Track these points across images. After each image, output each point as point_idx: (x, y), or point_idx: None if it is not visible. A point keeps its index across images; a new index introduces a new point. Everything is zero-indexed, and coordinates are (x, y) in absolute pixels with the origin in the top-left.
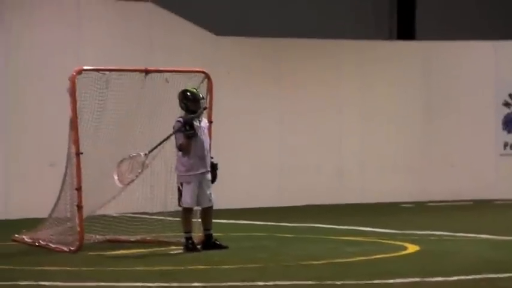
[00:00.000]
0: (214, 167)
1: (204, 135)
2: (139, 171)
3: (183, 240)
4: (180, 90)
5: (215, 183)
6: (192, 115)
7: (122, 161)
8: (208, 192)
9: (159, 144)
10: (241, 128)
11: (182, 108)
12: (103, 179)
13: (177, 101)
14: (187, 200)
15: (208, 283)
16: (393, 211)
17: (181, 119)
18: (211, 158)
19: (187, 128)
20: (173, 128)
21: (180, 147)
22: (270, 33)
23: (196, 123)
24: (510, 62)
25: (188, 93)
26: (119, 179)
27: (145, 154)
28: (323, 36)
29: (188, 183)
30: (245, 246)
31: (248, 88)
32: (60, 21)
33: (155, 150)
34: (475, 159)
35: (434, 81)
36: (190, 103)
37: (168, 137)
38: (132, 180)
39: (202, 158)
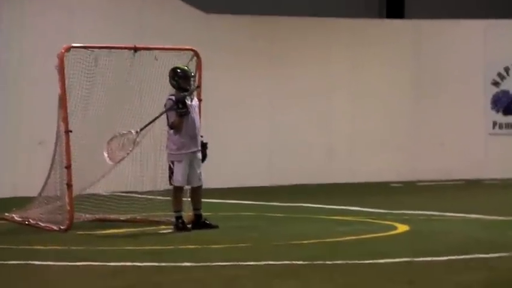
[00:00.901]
0: (204, 146)
1: (195, 114)
2: (130, 149)
3: (173, 219)
4: (169, 67)
5: (205, 162)
6: (185, 93)
7: (112, 139)
8: (198, 172)
9: (151, 122)
10: (231, 107)
11: (173, 85)
12: (92, 157)
13: (166, 78)
14: (179, 178)
15: (198, 263)
16: (383, 191)
17: (173, 97)
18: (201, 136)
19: (180, 106)
20: (165, 106)
21: (172, 125)
22: (260, 11)
23: (187, 102)
24: (499, 41)
25: (179, 71)
26: (109, 156)
27: (137, 132)
28: (313, 14)
29: (179, 161)
30: (235, 226)
31: (238, 66)
32: (51, 4)
33: (145, 128)
34: (464, 138)
35: (423, 60)
36: (182, 80)
37: (160, 115)
38: (123, 158)
39: (193, 136)
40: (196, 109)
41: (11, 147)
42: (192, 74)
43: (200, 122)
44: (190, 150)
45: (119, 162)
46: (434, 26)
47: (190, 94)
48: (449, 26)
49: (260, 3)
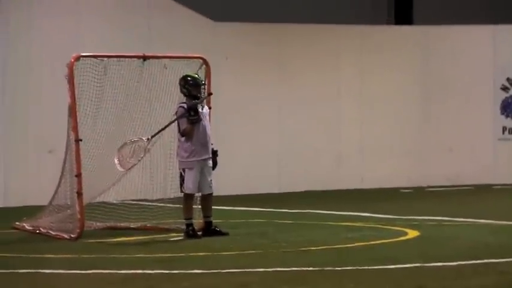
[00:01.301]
0: (214, 154)
1: (206, 121)
2: (142, 155)
3: (183, 227)
4: (178, 76)
5: (215, 169)
6: (196, 101)
7: (123, 146)
8: (209, 179)
9: (162, 129)
10: (240, 114)
11: (184, 93)
12: (103, 165)
13: (175, 86)
14: (190, 186)
15: (208, 270)
16: (392, 196)
17: (184, 105)
18: (211, 144)
19: (192, 113)
20: (175, 113)
21: (183, 133)
22: (268, 19)
23: (199, 109)
24: (508, 46)
25: (189, 79)
26: (119, 163)
27: (148, 139)
28: (321, 21)
29: (190, 169)
30: (244, 233)
31: (247, 74)
32: (59, 10)
33: (156, 136)
34: (473, 143)
35: (432, 66)
36: (192, 88)
37: (171, 122)
38: (134, 165)
39: (204, 144)
40: (207, 117)
41: (21, 155)
42: (203, 81)
43: (210, 130)
44: (201, 158)
45: (129, 169)
46: (443, 32)
47: (202, 102)
48: (458, 32)
49: (268, 11)
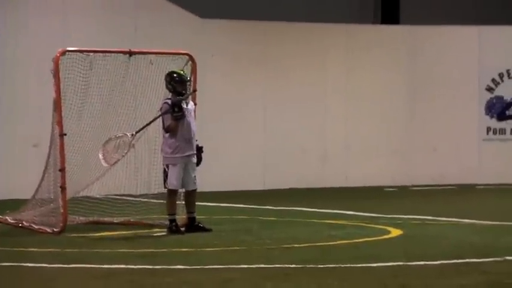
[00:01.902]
0: (199, 150)
1: (190, 118)
2: (126, 151)
3: (166, 222)
4: (164, 72)
5: (200, 166)
6: (181, 97)
7: (108, 141)
8: (193, 175)
9: (146, 125)
10: (225, 112)
11: (169, 89)
12: (87, 160)
13: (161, 82)
14: (173, 181)
15: (191, 266)
16: (377, 195)
17: (169, 101)
18: (196, 140)
19: (176, 109)
20: (160, 109)
21: (167, 129)
22: (255, 16)
23: (183, 105)
24: (494, 47)
25: (175, 75)
26: (104, 158)
27: (132, 134)
28: (308, 20)
29: (174, 165)
30: (228, 229)
31: (233, 71)
32: (45, 9)
33: (140, 132)
34: (458, 143)
35: (418, 65)
36: (178, 85)
37: (155, 118)
38: (118, 160)
39: (188, 140)
40: (192, 113)
41: (5, 149)
42: (188, 78)
43: (195, 126)
44: (185, 154)
45: (113, 164)
46: (429, 32)
47: (187, 98)
48: (444, 32)
49: (255, 9)
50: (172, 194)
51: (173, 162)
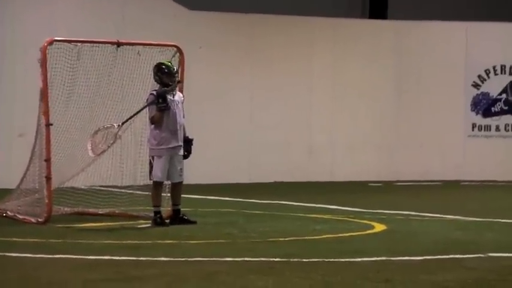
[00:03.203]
0: (189, 142)
1: (177, 109)
2: (112, 142)
3: (151, 214)
4: (151, 63)
5: (189, 158)
6: (165, 88)
7: (96, 132)
8: (179, 168)
9: (132, 116)
10: (212, 104)
11: (156, 81)
12: (72, 150)
13: (149, 73)
14: (158, 173)
15: (175, 258)
16: (362, 190)
17: (154, 92)
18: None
19: (160, 100)
20: (146, 100)
21: (152, 120)
22: (243, 8)
23: (169, 97)
24: (480, 43)
25: (163, 67)
26: (92, 149)
27: (119, 125)
28: (296, 13)
29: (159, 157)
30: (213, 222)
31: (220, 63)
32: None
33: (127, 123)
34: (443, 140)
35: (405, 61)
36: (165, 76)
37: (141, 110)
38: (104, 151)
39: (174, 132)
40: (180, 105)
41: None
42: (176, 70)
43: (184, 118)
44: (170, 146)
45: (99, 154)
46: (416, 27)
47: (172, 90)
48: (431, 28)
49: (243, 1)
50: (157, 186)
51: (158, 154)
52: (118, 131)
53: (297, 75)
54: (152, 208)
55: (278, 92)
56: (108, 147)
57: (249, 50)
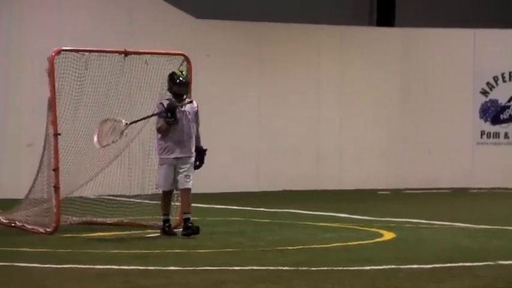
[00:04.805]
0: (202, 152)
1: (185, 120)
2: (117, 138)
3: (160, 223)
4: (159, 72)
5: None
6: (177, 104)
7: (105, 120)
8: (183, 175)
9: (142, 119)
10: (220, 112)
11: (168, 90)
12: (81, 160)
13: (157, 82)
14: (161, 182)
15: (184, 267)
16: (370, 198)
17: (164, 102)
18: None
19: (169, 115)
20: (157, 108)
21: (158, 130)
22: (250, 16)
23: (180, 108)
24: (489, 50)
25: (175, 77)
26: (98, 139)
27: (126, 124)
28: (303, 21)
29: (161, 165)
30: (222, 231)
31: (228, 71)
32: (40, 4)
33: (134, 132)
34: (452, 147)
35: (413, 68)
36: (176, 86)
37: (149, 116)
38: (108, 145)
39: (179, 142)
40: (190, 115)
41: (0, 149)
42: (187, 80)
43: (197, 128)
44: (172, 156)
45: (103, 147)
46: (424, 35)
47: (182, 106)
48: (439, 35)
49: (250, 10)
50: (165, 194)
51: (161, 163)
52: (125, 129)
53: (305, 83)
54: (161, 217)
55: (286, 100)
56: (113, 142)
57: (256, 58)
